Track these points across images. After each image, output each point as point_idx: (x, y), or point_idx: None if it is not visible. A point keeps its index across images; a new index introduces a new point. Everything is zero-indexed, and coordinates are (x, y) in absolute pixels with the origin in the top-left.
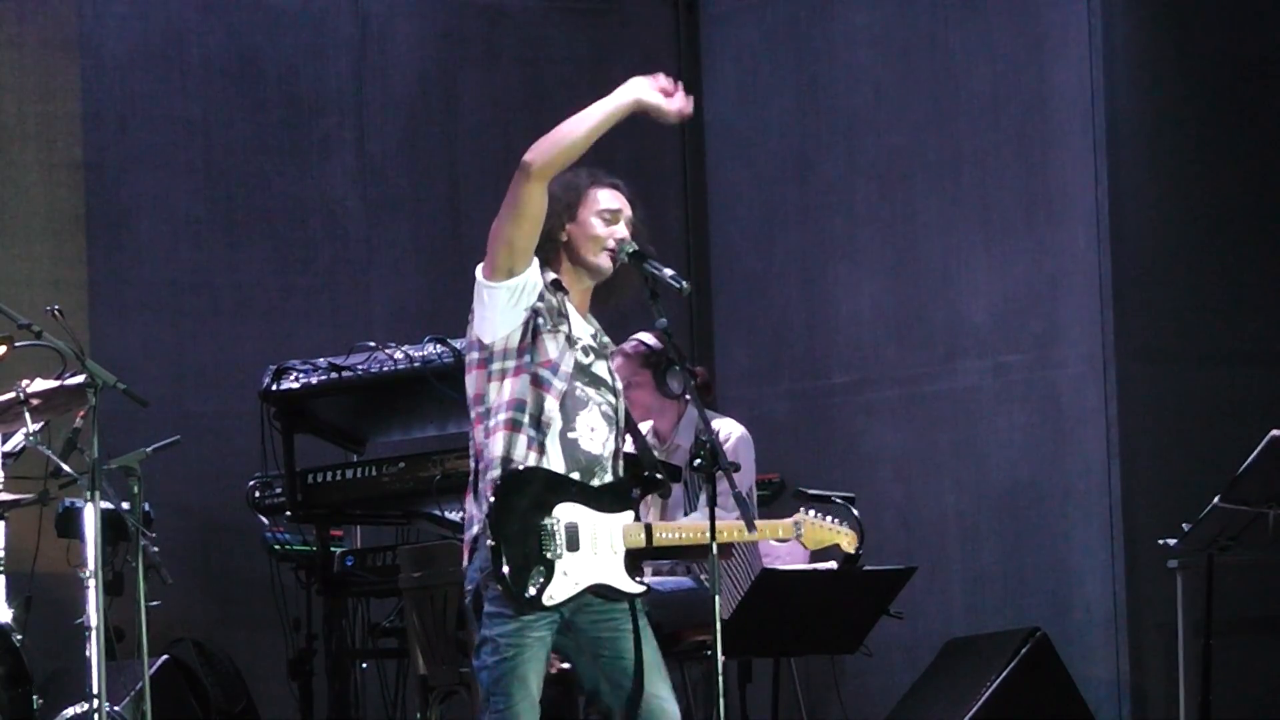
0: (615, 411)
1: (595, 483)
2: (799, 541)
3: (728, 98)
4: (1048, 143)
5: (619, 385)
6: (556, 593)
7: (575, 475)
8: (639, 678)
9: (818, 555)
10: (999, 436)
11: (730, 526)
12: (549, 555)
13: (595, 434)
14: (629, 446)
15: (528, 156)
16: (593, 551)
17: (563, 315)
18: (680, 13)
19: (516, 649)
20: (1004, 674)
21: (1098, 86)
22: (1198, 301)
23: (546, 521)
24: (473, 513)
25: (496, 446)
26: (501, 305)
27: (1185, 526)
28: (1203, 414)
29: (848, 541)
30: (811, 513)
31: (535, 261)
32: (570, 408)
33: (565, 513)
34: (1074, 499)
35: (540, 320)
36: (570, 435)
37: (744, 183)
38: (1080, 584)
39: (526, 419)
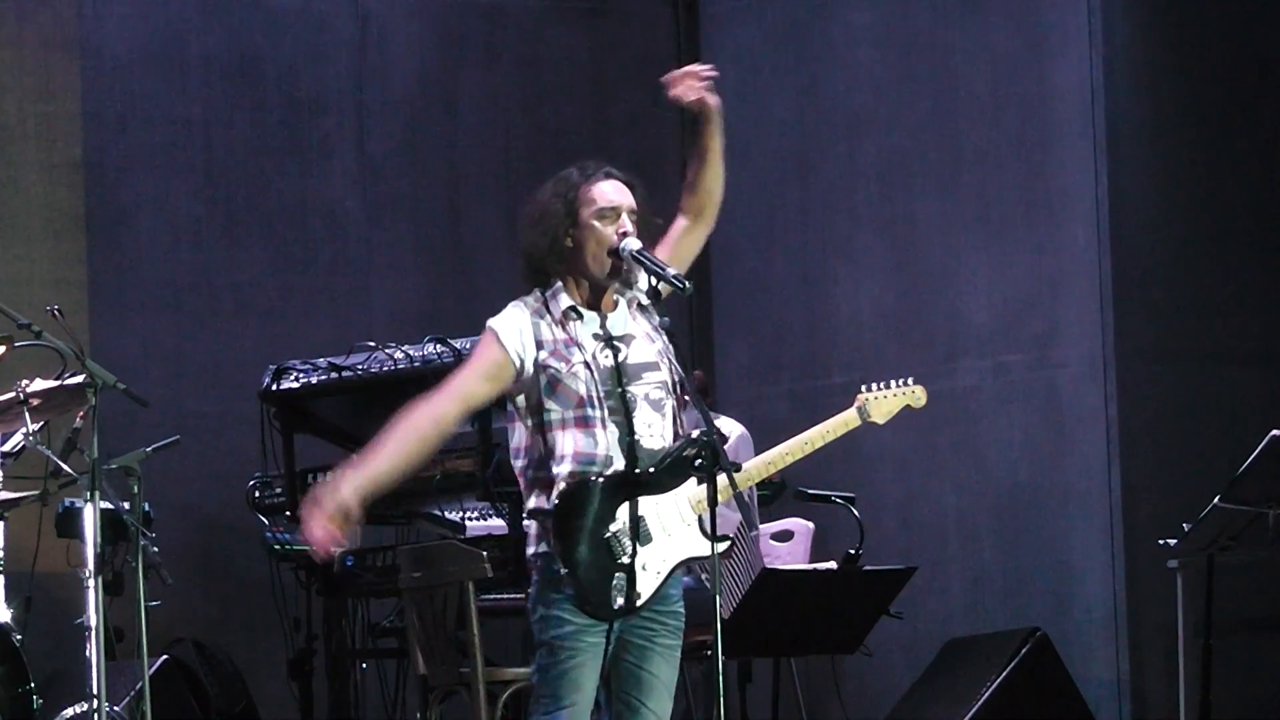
0: (664, 387)
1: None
2: (869, 422)
3: (727, 98)
4: (1048, 142)
5: (658, 346)
6: (644, 589)
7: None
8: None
9: (817, 555)
10: (999, 436)
11: (776, 456)
12: (625, 560)
13: (653, 428)
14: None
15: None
16: (666, 535)
17: (573, 344)
18: (680, 13)
19: (571, 652)
20: (1004, 674)
21: (1098, 86)
22: (1198, 301)
23: (612, 529)
24: (532, 531)
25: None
26: (521, 382)
27: (1185, 526)
28: (1203, 414)
29: (916, 398)
30: (875, 387)
31: (505, 340)
32: (622, 417)
33: (627, 512)
34: (1074, 499)
35: (553, 371)
36: (633, 438)
37: (744, 183)
38: (1080, 584)
39: (591, 465)
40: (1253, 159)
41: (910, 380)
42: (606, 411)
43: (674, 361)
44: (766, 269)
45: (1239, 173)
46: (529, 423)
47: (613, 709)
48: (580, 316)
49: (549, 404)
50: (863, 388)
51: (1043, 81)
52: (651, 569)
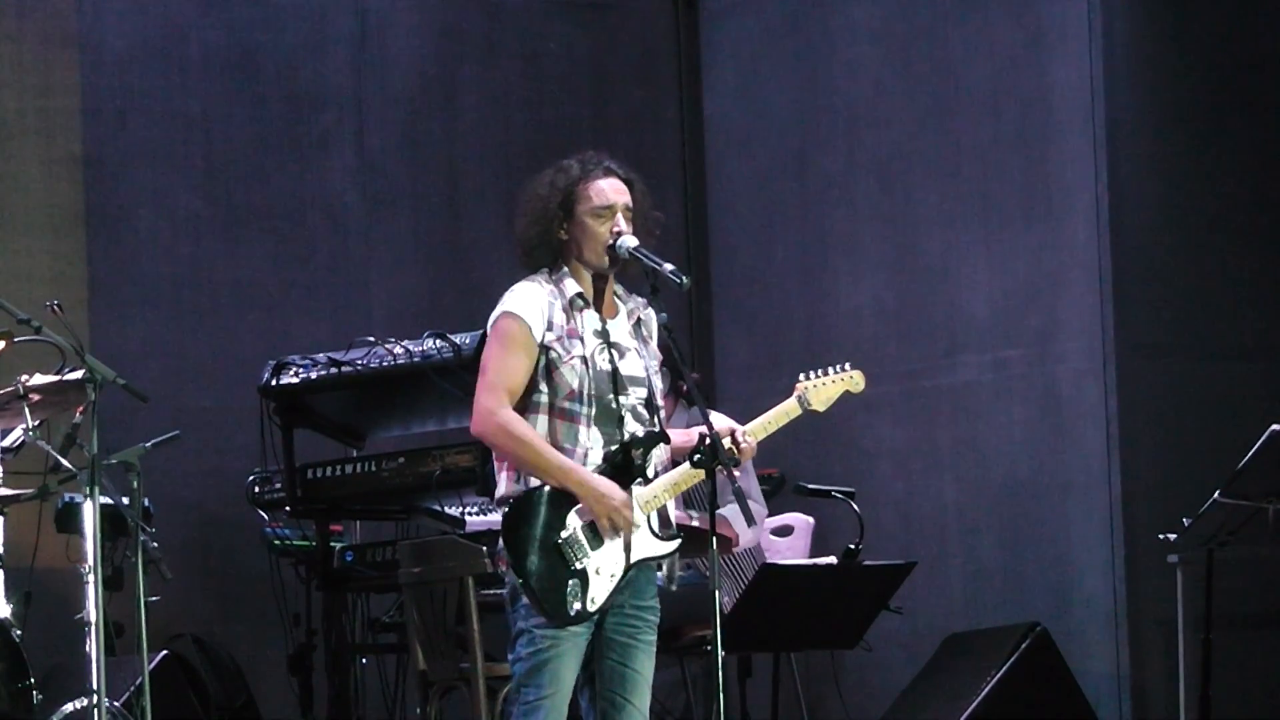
0: (647, 403)
1: (644, 474)
2: (809, 410)
3: (727, 93)
4: (1047, 138)
5: (651, 364)
6: (598, 594)
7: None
8: (602, 681)
9: (817, 550)
10: (999, 432)
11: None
12: (578, 566)
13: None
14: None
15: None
16: (617, 538)
17: (576, 335)
18: (680, 8)
19: (552, 641)
20: (1004, 669)
21: (1097, 82)
22: (1198, 296)
23: (563, 535)
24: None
25: (525, 483)
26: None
27: (1185, 521)
28: (1203, 409)
29: (854, 382)
30: (813, 375)
31: (530, 321)
32: (607, 424)
33: (578, 516)
34: (1074, 494)
35: (554, 354)
36: (613, 449)
37: (744, 178)
38: (1080, 579)
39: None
40: (1252, 155)
41: (848, 365)
42: (594, 411)
43: (656, 383)
44: (766, 264)
45: (1239, 169)
46: (516, 403)
47: (597, 707)
48: (586, 305)
49: (541, 386)
50: (800, 376)
51: (1043, 77)
52: (605, 573)
